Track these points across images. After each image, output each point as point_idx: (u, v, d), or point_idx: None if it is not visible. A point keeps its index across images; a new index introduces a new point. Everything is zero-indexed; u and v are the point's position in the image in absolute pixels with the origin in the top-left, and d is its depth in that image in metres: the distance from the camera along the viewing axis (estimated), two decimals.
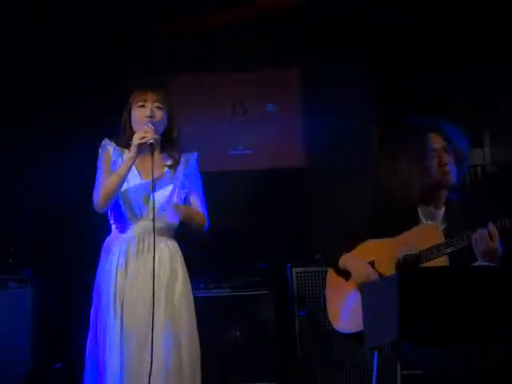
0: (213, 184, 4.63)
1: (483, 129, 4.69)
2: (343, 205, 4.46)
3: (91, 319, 2.95)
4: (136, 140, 2.87)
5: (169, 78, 4.74)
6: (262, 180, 4.69)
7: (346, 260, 2.92)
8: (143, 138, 2.86)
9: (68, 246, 4.32)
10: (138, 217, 2.93)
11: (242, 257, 4.45)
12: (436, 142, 2.86)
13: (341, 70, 4.64)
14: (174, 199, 2.99)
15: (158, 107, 2.98)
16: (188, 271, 3.03)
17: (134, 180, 2.98)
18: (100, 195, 2.93)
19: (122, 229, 2.97)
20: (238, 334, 4.01)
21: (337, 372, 4.02)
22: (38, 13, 4.37)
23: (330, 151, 4.64)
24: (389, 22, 4.54)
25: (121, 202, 2.98)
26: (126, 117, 3.03)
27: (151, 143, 2.86)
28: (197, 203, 3.07)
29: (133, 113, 3.00)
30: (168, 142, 3.04)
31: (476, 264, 2.69)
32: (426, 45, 4.57)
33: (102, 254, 2.99)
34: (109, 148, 3.03)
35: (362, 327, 2.50)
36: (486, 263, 2.66)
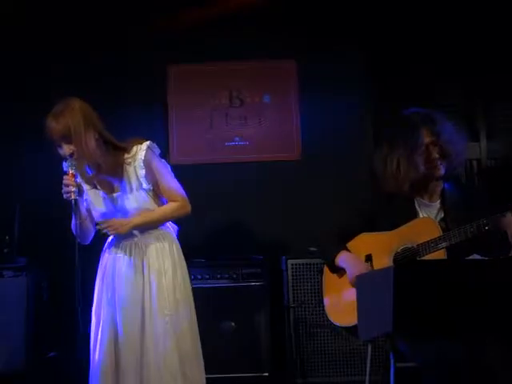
0: (208, 175, 4.68)
1: (479, 123, 4.69)
2: (339, 197, 4.47)
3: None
4: (64, 195, 2.82)
5: (166, 67, 4.73)
6: (257, 172, 4.68)
7: (342, 258, 2.92)
8: (66, 192, 2.80)
9: (62, 235, 4.31)
10: None
11: (237, 248, 4.45)
12: (426, 136, 2.86)
13: (338, 62, 4.64)
14: (141, 201, 2.96)
15: (67, 142, 2.83)
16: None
17: (100, 200, 2.99)
18: (74, 234, 2.93)
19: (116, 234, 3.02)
20: (232, 324, 4.02)
21: (330, 363, 4.03)
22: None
23: (326, 143, 4.64)
24: (388, 16, 4.54)
25: (97, 219, 3.02)
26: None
27: (74, 199, 2.80)
28: (168, 192, 2.99)
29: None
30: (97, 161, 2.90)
31: (471, 257, 2.70)
32: (424, 39, 4.56)
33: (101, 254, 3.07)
34: None
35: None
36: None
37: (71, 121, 2.82)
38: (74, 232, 2.94)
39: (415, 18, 4.53)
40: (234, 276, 4.10)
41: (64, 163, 2.87)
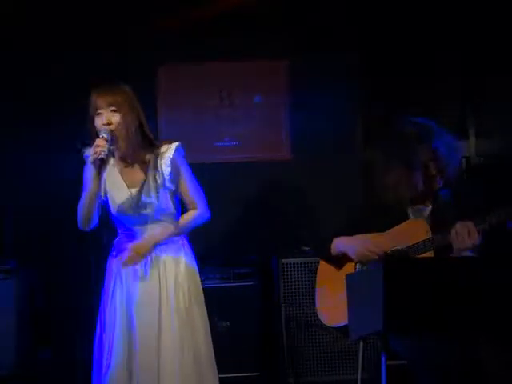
0: (198, 176, 4.65)
1: (468, 120, 4.71)
2: (330, 197, 4.48)
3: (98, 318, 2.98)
4: (90, 157, 2.78)
5: (156, 67, 4.72)
6: (248, 172, 4.68)
7: (340, 243, 2.91)
8: (94, 153, 2.75)
9: (53, 238, 4.31)
10: (133, 226, 2.95)
11: (228, 248, 4.45)
12: (424, 153, 2.83)
13: (328, 62, 4.65)
14: (162, 200, 2.93)
15: (114, 110, 2.84)
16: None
17: (121, 192, 2.94)
18: (78, 215, 2.89)
19: (127, 234, 2.98)
20: (225, 324, 4.02)
21: (322, 362, 4.04)
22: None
23: (316, 143, 4.64)
24: (381, 16, 4.55)
25: (114, 214, 2.97)
26: (92, 129, 2.88)
27: (101, 158, 2.74)
28: (190, 196, 3.00)
29: (95, 123, 2.88)
30: (131, 144, 2.90)
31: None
32: (415, 39, 4.57)
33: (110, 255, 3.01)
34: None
35: None
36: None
37: (125, 93, 2.89)
38: (78, 211, 2.87)
39: (407, 19, 4.54)
40: (226, 276, 4.10)
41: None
